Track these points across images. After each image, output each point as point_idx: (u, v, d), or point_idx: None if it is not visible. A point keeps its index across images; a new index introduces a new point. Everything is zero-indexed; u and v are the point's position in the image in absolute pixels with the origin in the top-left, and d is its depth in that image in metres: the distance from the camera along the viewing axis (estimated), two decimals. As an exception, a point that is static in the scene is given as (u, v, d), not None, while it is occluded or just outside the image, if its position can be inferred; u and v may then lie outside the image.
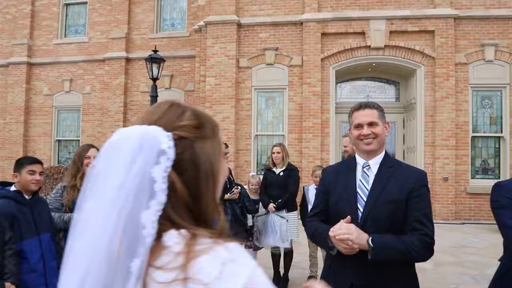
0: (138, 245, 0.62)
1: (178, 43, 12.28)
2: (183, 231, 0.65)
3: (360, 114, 1.96)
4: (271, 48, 9.88)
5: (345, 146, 4.55)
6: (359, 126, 1.95)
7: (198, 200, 0.69)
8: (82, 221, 0.64)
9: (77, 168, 3.48)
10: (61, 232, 3.36)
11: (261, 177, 5.25)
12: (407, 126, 10.40)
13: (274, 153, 5.03)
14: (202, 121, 0.75)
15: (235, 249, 0.63)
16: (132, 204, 0.62)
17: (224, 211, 2.53)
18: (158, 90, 11.04)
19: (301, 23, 9.75)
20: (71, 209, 3.37)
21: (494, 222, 2.06)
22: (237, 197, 4.46)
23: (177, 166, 0.68)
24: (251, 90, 10.01)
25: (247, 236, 4.85)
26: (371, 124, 1.92)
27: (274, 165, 5.05)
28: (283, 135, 9.81)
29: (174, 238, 0.64)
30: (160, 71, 7.33)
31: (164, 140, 0.68)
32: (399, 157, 10.27)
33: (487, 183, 9.37)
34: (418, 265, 1.94)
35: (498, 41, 9.45)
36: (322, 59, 9.65)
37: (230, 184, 4.51)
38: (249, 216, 4.90)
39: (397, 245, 1.71)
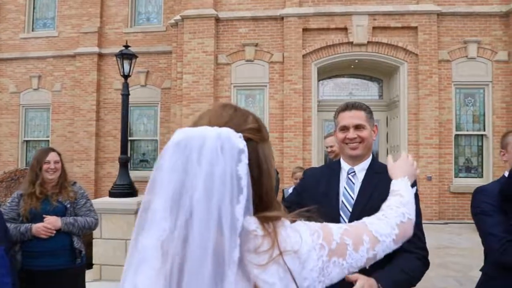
0: (236, 236, 0.70)
1: (154, 38, 12.00)
2: (255, 217, 0.76)
3: (346, 116, 1.82)
4: (251, 44, 9.74)
5: (330, 147, 4.39)
6: (344, 128, 1.82)
7: (261, 192, 0.80)
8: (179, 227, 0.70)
9: (35, 174, 3.26)
10: (17, 245, 3.15)
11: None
12: (390, 124, 10.43)
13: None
14: (260, 125, 0.86)
15: (298, 222, 0.80)
16: (228, 200, 0.70)
17: None
18: (133, 87, 10.76)
19: (282, 18, 9.65)
20: (28, 219, 3.16)
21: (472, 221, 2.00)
22: None
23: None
24: (231, 87, 9.87)
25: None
26: (357, 127, 1.79)
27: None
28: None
29: (253, 224, 0.75)
30: (132, 67, 7.08)
31: (239, 140, 0.75)
32: (382, 156, 10.30)
33: (470, 182, 9.47)
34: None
35: (481, 38, 9.56)
36: (303, 56, 9.58)
37: None
38: None
39: (403, 279, 1.60)
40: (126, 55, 6.92)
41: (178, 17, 10.03)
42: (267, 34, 9.79)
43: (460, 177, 9.70)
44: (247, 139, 0.78)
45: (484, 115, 9.65)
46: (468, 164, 9.76)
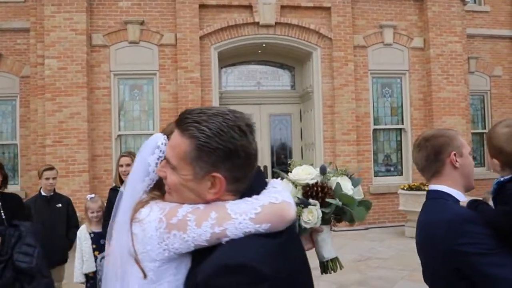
0: (134, 202, 1.16)
1: (9, 11, 10.67)
2: (148, 194, 1.20)
3: None
4: (135, 22, 9.10)
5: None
6: None
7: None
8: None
9: None
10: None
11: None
12: (304, 118, 10.39)
13: (122, 165, 4.34)
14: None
15: (163, 202, 1.13)
16: (139, 178, 1.21)
17: None
18: (-25, 75, 9.25)
19: (174, -9, 9.16)
20: None
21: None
22: None
23: None
24: (110, 76, 9.12)
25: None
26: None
27: (122, 182, 4.16)
28: (153, 134, 8.97)
29: (144, 198, 1.17)
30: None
31: (161, 140, 1.22)
32: (297, 155, 10.18)
33: (391, 182, 9.72)
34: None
35: (396, 22, 9.92)
36: (201, 37, 9.20)
37: None
38: (89, 258, 4.15)
39: None
40: None
41: (36, -17, 8.86)
42: (155, 9, 9.24)
43: (379, 176, 9.91)
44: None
45: (402, 107, 9.99)
46: (387, 161, 10.02)
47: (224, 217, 1.01)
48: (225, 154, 1.01)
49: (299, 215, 1.28)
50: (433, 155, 1.72)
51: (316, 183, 1.36)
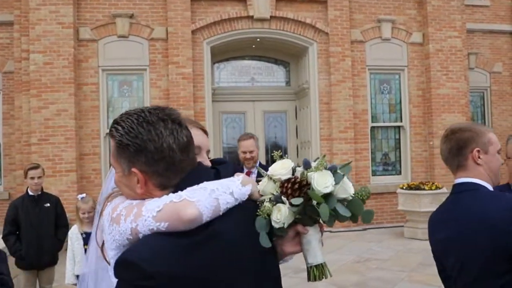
0: (107, 194, 1.32)
1: None
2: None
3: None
4: (124, 15, 9.07)
5: (250, 152, 4.44)
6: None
7: None
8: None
9: None
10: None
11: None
12: (300, 116, 10.42)
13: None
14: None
15: (123, 198, 1.23)
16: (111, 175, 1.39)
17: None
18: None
19: (165, -17, 9.15)
20: None
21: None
22: None
23: None
24: (98, 71, 9.10)
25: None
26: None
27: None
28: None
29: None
30: None
31: None
32: (292, 154, 10.20)
33: (389, 181, 9.77)
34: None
35: (395, 17, 9.97)
36: (193, 32, 9.20)
37: None
38: (81, 259, 4.12)
39: None
40: None
41: (20, -26, 8.82)
42: (145, 2, 9.24)
43: (377, 175, 9.97)
44: None
45: (400, 103, 10.05)
46: (385, 160, 10.08)
47: (139, 214, 1.09)
48: (135, 150, 1.12)
49: (268, 214, 1.21)
50: (456, 149, 1.77)
51: (289, 179, 1.27)
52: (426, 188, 8.25)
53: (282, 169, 1.29)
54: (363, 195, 1.30)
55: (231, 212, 1.14)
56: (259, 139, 10.76)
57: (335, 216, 1.24)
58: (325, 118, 9.56)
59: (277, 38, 9.67)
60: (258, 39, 9.70)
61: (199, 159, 1.38)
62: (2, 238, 4.57)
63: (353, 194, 1.28)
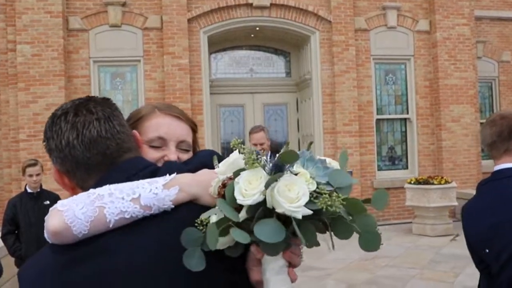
0: None
1: None
2: None
3: None
4: (116, 3, 9.07)
5: (260, 144, 4.57)
6: None
7: None
8: None
9: None
10: None
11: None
12: (301, 108, 10.49)
13: None
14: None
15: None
16: None
17: None
18: None
19: (158, -32, 9.17)
20: None
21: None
22: None
23: None
24: (89, 63, 9.12)
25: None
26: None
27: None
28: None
29: None
30: None
31: None
32: (294, 148, 10.19)
33: (395, 176, 9.88)
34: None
35: (400, 4, 10.04)
36: (189, 20, 9.20)
37: None
38: None
39: None
40: None
41: (5, -40, 8.79)
42: None
43: (383, 169, 10.08)
44: None
45: (406, 94, 10.15)
46: (391, 154, 10.18)
47: None
48: (47, 149, 1.09)
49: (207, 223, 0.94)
50: (507, 132, 1.88)
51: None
52: (435, 182, 8.36)
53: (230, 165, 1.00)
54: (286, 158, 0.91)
55: (137, 224, 0.97)
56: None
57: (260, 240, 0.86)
58: (328, 110, 9.63)
59: (277, 27, 9.70)
60: (257, 28, 9.74)
61: (163, 152, 1.28)
62: (1, 237, 4.63)
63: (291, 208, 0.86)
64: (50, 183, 8.13)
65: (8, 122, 8.83)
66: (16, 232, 4.61)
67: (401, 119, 10.21)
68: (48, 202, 4.66)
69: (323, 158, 0.98)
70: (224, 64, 10.51)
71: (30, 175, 4.64)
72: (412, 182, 8.64)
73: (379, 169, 10.02)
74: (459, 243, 7.16)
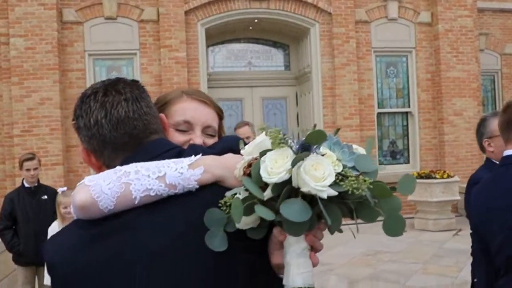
0: None
1: None
2: None
3: None
4: None
5: (246, 138, 4.60)
6: None
7: None
8: None
9: None
10: None
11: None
12: (301, 102, 10.52)
13: None
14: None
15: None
16: None
17: None
18: None
19: (154, -42, 9.17)
20: None
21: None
22: None
23: None
24: (84, 56, 9.11)
25: None
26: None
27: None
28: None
29: None
30: None
31: None
32: (293, 143, 10.29)
33: (397, 170, 9.89)
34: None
35: (401, -6, 10.04)
36: (186, 12, 9.21)
37: None
38: None
39: None
40: None
41: (-3, -49, 8.76)
42: None
43: (384, 164, 10.11)
44: None
45: (408, 88, 10.18)
46: (393, 148, 10.22)
47: None
48: (76, 128, 1.12)
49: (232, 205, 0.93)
50: (507, 123, 1.98)
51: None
52: (438, 176, 8.41)
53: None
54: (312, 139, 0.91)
55: (163, 202, 0.99)
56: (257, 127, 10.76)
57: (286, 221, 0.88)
58: (329, 104, 9.66)
59: (276, 19, 9.71)
60: (255, 20, 9.74)
61: (189, 136, 1.33)
62: None
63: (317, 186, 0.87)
64: (47, 178, 8.25)
65: (1, 117, 8.81)
66: (14, 227, 4.62)
67: (402, 112, 10.25)
68: (45, 197, 4.68)
69: (349, 144, 1.01)
70: (222, 57, 10.52)
71: (28, 169, 4.64)
72: (414, 176, 8.65)
73: (381, 163, 10.03)
74: (462, 238, 7.23)
